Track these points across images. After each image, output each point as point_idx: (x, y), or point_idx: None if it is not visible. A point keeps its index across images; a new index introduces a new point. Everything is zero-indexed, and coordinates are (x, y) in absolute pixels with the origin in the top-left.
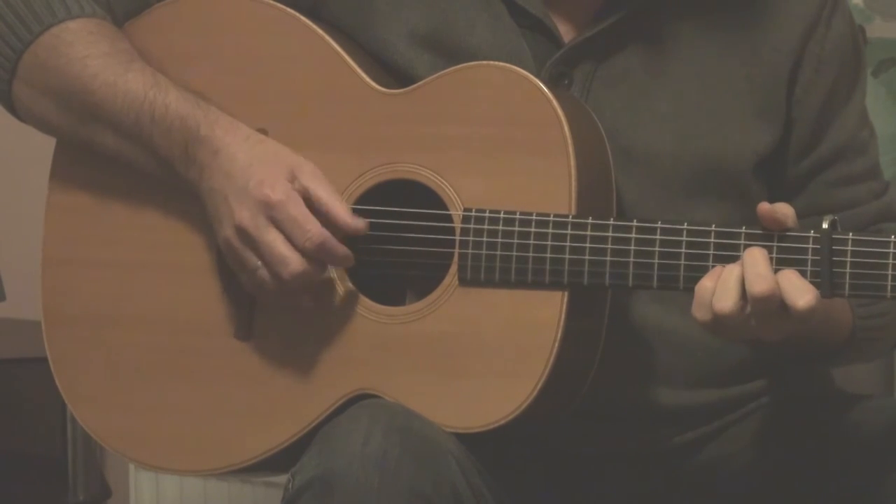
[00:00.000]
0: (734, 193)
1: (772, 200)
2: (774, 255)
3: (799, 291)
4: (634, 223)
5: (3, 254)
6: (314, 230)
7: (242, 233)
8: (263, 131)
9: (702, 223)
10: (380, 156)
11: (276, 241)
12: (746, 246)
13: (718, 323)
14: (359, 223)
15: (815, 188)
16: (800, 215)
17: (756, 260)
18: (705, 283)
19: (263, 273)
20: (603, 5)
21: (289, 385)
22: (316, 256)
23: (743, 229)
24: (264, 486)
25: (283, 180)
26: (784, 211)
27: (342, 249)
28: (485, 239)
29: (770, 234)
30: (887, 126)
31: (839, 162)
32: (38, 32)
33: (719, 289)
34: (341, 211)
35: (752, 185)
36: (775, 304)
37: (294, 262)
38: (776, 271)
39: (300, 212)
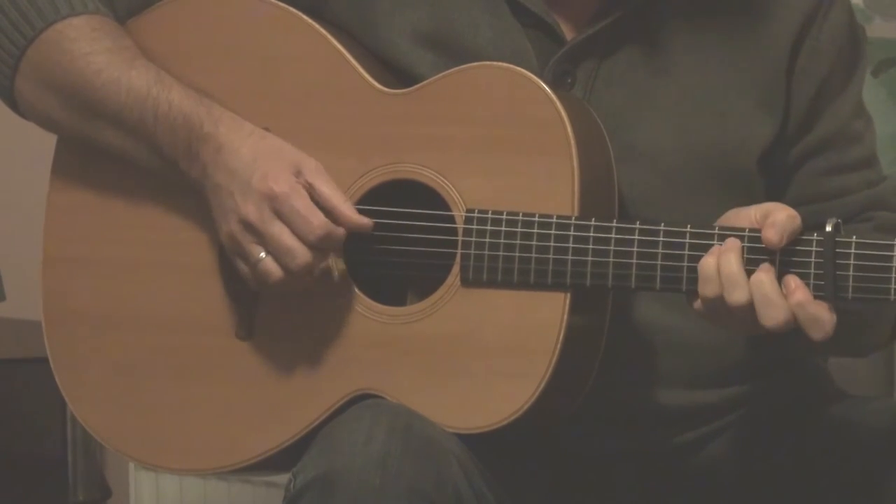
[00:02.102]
0: (738, 188)
1: (770, 192)
2: (778, 258)
3: (818, 324)
4: (637, 225)
5: (3, 254)
6: (318, 222)
7: (248, 226)
8: (266, 130)
9: (705, 221)
10: (382, 156)
11: (282, 234)
12: (749, 248)
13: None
14: (363, 221)
15: (804, 176)
16: (790, 205)
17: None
18: (709, 260)
19: (266, 265)
20: (603, 2)
21: (290, 385)
22: (320, 247)
23: (746, 231)
24: (265, 486)
25: (287, 173)
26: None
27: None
28: (487, 240)
29: None
30: (887, 126)
31: (829, 150)
32: (41, 29)
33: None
34: (345, 208)
35: (756, 178)
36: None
37: (301, 253)
38: (778, 272)
39: (304, 204)
